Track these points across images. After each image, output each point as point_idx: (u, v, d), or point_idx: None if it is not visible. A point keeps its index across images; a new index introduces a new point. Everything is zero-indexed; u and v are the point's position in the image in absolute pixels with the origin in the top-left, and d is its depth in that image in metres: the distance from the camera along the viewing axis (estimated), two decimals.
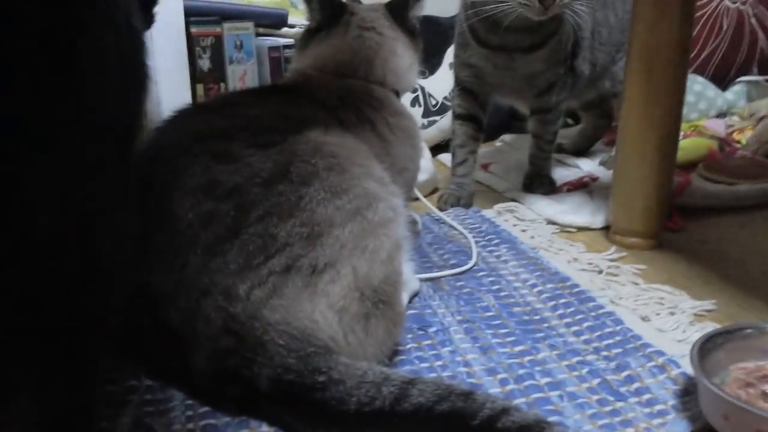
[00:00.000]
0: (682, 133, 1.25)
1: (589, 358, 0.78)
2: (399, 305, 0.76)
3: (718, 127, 1.66)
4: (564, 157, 1.53)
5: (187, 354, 0.68)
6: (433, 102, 1.68)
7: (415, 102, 1.66)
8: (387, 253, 0.74)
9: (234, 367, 0.65)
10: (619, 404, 0.70)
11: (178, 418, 0.68)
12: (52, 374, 0.49)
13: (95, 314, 0.51)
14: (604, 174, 1.41)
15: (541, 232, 1.17)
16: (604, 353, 0.79)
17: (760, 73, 1.93)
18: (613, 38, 1.38)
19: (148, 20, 0.76)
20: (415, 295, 0.92)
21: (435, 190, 1.40)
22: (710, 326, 0.84)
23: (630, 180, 1.11)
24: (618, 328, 0.84)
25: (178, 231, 0.68)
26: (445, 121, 1.61)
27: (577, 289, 0.94)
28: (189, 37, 1.22)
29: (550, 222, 1.20)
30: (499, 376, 0.75)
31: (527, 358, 0.78)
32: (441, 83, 1.66)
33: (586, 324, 0.85)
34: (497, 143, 1.74)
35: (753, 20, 1.92)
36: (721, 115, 1.78)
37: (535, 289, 0.94)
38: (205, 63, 1.27)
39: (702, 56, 1.90)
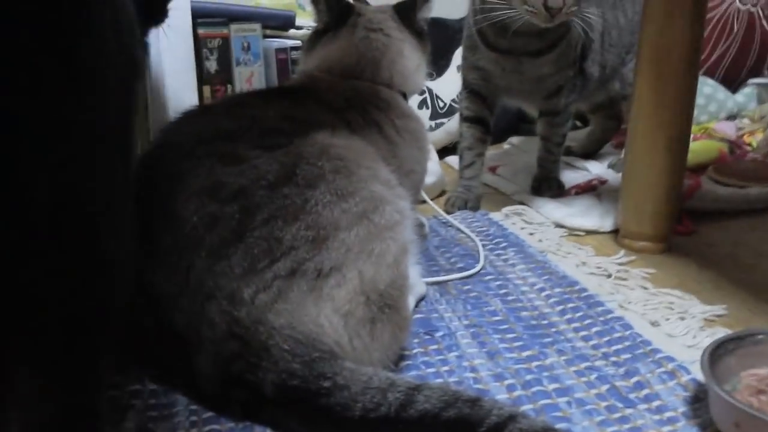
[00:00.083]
0: (691, 136, 1.23)
1: (598, 363, 0.77)
2: (405, 309, 0.75)
3: (728, 129, 1.64)
4: (573, 160, 1.52)
5: (191, 358, 0.67)
6: (441, 104, 1.67)
7: (422, 104, 1.66)
8: (393, 257, 0.73)
9: (238, 372, 0.64)
10: (628, 411, 0.69)
11: (182, 424, 0.67)
12: (55, 373, 0.49)
13: (98, 313, 0.51)
14: (613, 177, 1.40)
15: (550, 235, 1.16)
16: (613, 359, 0.78)
17: None
18: (623, 40, 1.37)
19: (160, 15, 0.75)
20: (421, 299, 0.91)
21: (442, 193, 1.39)
22: (721, 331, 0.82)
23: (639, 183, 1.10)
24: (627, 333, 0.83)
25: (182, 233, 0.68)
26: (453, 124, 1.60)
27: (585, 294, 0.93)
28: (196, 38, 1.21)
29: (559, 225, 1.19)
30: (507, 382, 0.74)
31: (535, 363, 0.77)
32: (449, 85, 1.65)
33: (594, 329, 0.84)
34: (505, 146, 1.73)
35: (764, 22, 1.90)
36: (731, 117, 1.76)
37: (543, 294, 0.93)
38: (212, 65, 1.27)
39: (712, 58, 1.88)
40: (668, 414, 0.69)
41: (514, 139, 1.74)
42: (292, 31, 1.49)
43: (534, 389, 0.72)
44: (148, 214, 0.71)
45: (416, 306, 0.89)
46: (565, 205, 1.26)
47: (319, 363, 0.63)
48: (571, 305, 0.90)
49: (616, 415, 0.69)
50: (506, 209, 1.26)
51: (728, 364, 0.70)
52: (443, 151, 1.64)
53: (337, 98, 0.91)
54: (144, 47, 0.74)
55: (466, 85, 1.30)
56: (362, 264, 0.70)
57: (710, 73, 1.84)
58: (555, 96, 1.26)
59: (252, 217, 0.68)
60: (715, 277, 1.00)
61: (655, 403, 0.70)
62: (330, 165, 0.73)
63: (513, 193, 1.38)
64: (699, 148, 1.41)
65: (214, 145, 0.74)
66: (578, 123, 1.77)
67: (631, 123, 1.11)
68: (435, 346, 0.81)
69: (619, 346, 0.80)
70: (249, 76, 1.33)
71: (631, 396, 0.72)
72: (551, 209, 1.24)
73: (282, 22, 1.45)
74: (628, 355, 0.79)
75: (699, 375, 0.73)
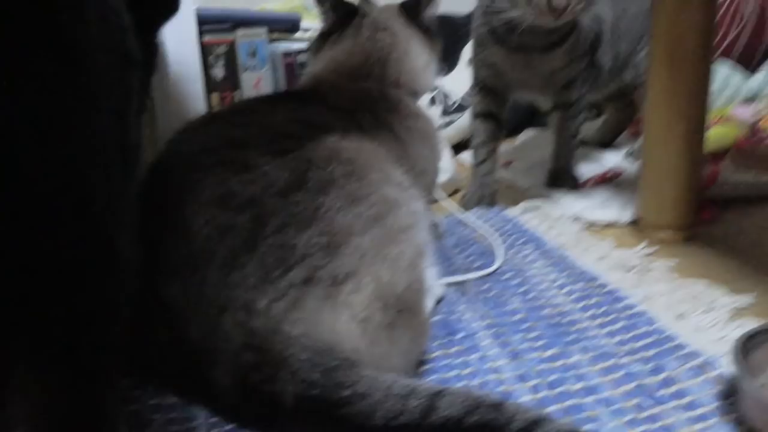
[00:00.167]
0: (709, 122, 1.21)
1: (624, 360, 0.75)
2: (423, 313, 0.74)
3: (745, 114, 1.61)
4: (588, 151, 1.50)
5: (209, 371, 0.66)
6: (452, 101, 1.65)
7: (433, 101, 1.64)
8: (409, 260, 0.71)
9: (256, 384, 0.63)
10: (658, 409, 0.67)
11: None
12: (58, 372, 0.48)
13: (99, 308, 0.50)
14: (630, 166, 1.37)
15: (568, 229, 1.14)
16: (640, 355, 0.76)
17: None
18: (635, 28, 1.34)
19: (173, 4, 0.74)
20: (439, 300, 0.90)
21: (456, 191, 1.38)
22: (751, 322, 0.80)
23: (658, 172, 1.08)
24: (652, 327, 0.81)
25: (194, 245, 0.67)
26: (464, 120, 1.59)
27: (607, 288, 0.91)
28: (201, 46, 1.21)
29: (577, 219, 1.17)
30: (531, 383, 0.72)
31: (559, 362, 0.75)
32: (458, 82, 1.64)
33: (618, 324, 0.82)
34: (519, 139, 1.71)
35: None
36: (748, 101, 1.73)
37: (564, 290, 0.91)
38: (218, 71, 1.26)
39: (726, 42, 1.85)
40: (699, 411, 0.67)
41: (528, 133, 1.72)
42: (298, 34, 1.48)
43: (559, 389, 0.71)
44: (158, 226, 0.70)
45: (435, 308, 0.88)
46: (583, 197, 1.24)
47: (338, 372, 0.62)
48: (593, 301, 0.88)
49: (645, 414, 0.67)
50: (522, 204, 1.24)
51: (760, 356, 0.68)
52: (456, 148, 1.62)
53: (346, 100, 0.90)
54: (153, 46, 0.73)
55: (478, 82, 1.28)
56: (378, 269, 0.69)
57: (725, 57, 1.81)
58: (567, 89, 1.24)
59: (264, 225, 0.67)
60: (741, 266, 0.97)
61: (686, 400, 0.68)
62: (341, 169, 0.72)
63: (528, 188, 1.36)
64: (716, 134, 1.38)
65: (222, 154, 0.73)
66: (594, 111, 1.75)
67: (647, 112, 1.09)
68: (456, 349, 0.79)
69: (645, 342, 0.78)
70: (256, 82, 1.32)
71: (660, 393, 0.70)
72: (568, 202, 1.22)
73: (288, 26, 1.44)
74: (654, 351, 0.76)
75: (729, 369, 0.70)
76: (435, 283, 0.89)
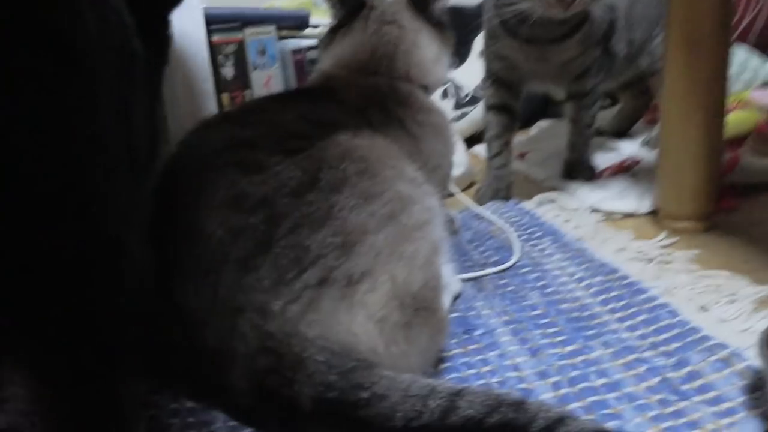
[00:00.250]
0: (727, 107, 1.18)
1: (647, 354, 0.74)
2: (441, 310, 0.73)
3: (764, 98, 1.58)
4: (604, 141, 1.48)
5: (226, 374, 0.65)
6: (464, 93, 1.64)
7: (445, 94, 1.63)
8: (425, 257, 0.70)
9: (273, 387, 0.63)
10: (683, 404, 0.66)
11: None
12: (62, 374, 0.48)
13: (108, 312, 0.50)
14: (647, 155, 1.35)
15: (585, 221, 1.12)
16: (662, 349, 0.75)
17: None
18: (649, 14, 1.32)
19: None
20: (457, 297, 0.89)
21: (471, 184, 1.36)
22: None
23: (676, 160, 1.06)
24: (675, 320, 0.79)
25: (207, 248, 0.66)
26: (478, 113, 1.57)
27: (627, 281, 0.89)
28: (210, 45, 1.20)
29: (594, 210, 1.16)
30: (552, 380, 0.71)
31: (580, 358, 0.74)
32: (471, 74, 1.62)
33: (640, 318, 0.81)
34: (533, 130, 1.70)
35: None
36: (767, 85, 1.70)
37: (583, 283, 0.90)
38: (228, 71, 1.25)
39: (742, 25, 1.81)
40: (726, 405, 0.65)
41: (542, 123, 1.70)
42: (308, 31, 1.47)
43: (581, 386, 0.69)
44: (171, 229, 0.69)
45: (452, 305, 0.87)
46: (600, 188, 1.23)
47: (356, 373, 0.61)
48: (613, 294, 0.86)
49: (670, 409, 0.65)
50: (539, 197, 1.23)
51: None
52: (469, 141, 1.61)
53: (356, 96, 0.89)
54: (165, 37, 0.72)
55: (490, 74, 1.26)
56: (393, 267, 0.68)
57: (741, 40, 1.78)
58: (582, 78, 1.23)
59: (277, 226, 0.66)
60: (764, 255, 0.95)
61: (711, 394, 0.67)
62: (353, 167, 0.71)
63: (544, 180, 1.34)
64: (735, 119, 1.35)
65: (233, 154, 0.73)
66: (609, 100, 1.72)
67: (664, 99, 1.07)
68: (474, 346, 0.78)
69: (668, 335, 0.77)
70: (266, 80, 1.31)
71: (685, 388, 0.68)
72: (585, 194, 1.21)
73: (297, 22, 1.43)
74: (677, 344, 0.75)
75: (755, 361, 0.69)
76: (452, 279, 0.88)
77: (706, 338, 0.75)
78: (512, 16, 1.12)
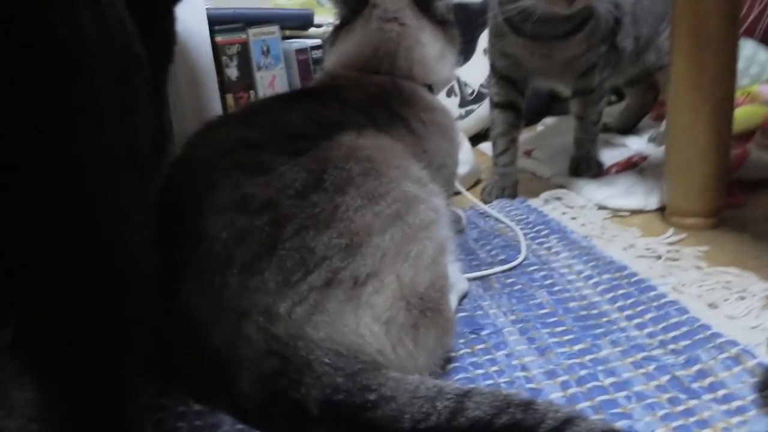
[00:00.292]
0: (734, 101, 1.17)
1: (656, 353, 0.73)
2: (448, 310, 0.72)
3: None
4: (611, 137, 1.47)
5: (233, 377, 0.65)
6: (469, 90, 1.63)
7: (450, 92, 1.62)
8: (431, 257, 0.70)
9: (281, 390, 0.62)
10: (693, 402, 0.65)
11: None
12: (63, 373, 0.48)
13: (110, 313, 0.50)
14: (654, 151, 1.34)
15: (592, 218, 1.11)
16: (672, 347, 0.74)
17: None
18: (656, 9, 1.31)
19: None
20: (464, 296, 0.88)
21: (477, 182, 1.36)
22: None
23: (684, 156, 1.05)
24: (684, 317, 0.79)
25: (213, 251, 0.66)
26: (483, 110, 1.56)
27: (635, 278, 0.89)
28: (214, 46, 1.20)
29: (601, 207, 1.15)
30: (560, 379, 0.70)
31: (588, 357, 0.73)
32: (476, 71, 1.61)
33: (648, 315, 0.80)
34: (539, 127, 1.69)
35: None
36: None
37: (591, 281, 0.89)
38: (232, 72, 1.25)
39: (749, 19, 1.80)
40: (736, 403, 0.65)
41: (548, 120, 1.69)
42: (312, 30, 1.47)
43: (589, 385, 0.69)
44: (177, 232, 0.69)
45: (459, 304, 0.86)
46: (607, 185, 1.22)
47: (363, 375, 0.61)
48: (621, 292, 0.86)
49: (680, 408, 0.65)
50: (545, 194, 1.22)
51: None
52: (475, 139, 1.60)
53: (360, 95, 0.88)
54: (170, 34, 0.72)
55: (496, 72, 1.26)
56: (399, 268, 0.67)
57: (748, 35, 1.76)
58: (588, 74, 1.22)
59: (282, 228, 0.66)
60: None
61: (721, 392, 0.66)
62: (358, 168, 0.71)
63: (551, 177, 1.33)
64: (743, 114, 1.34)
65: (238, 156, 0.72)
66: (614, 97, 1.72)
67: (671, 95, 1.06)
68: (482, 346, 0.78)
69: (677, 333, 0.76)
70: (271, 80, 1.31)
71: (695, 386, 0.68)
72: (592, 191, 1.20)
73: (300, 22, 1.43)
74: (687, 342, 0.74)
75: (766, 358, 0.68)
76: (459, 278, 0.88)
77: (715, 335, 0.75)
78: (516, 13, 1.11)
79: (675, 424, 0.63)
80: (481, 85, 1.61)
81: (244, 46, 1.25)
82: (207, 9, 1.18)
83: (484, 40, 1.56)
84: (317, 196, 0.68)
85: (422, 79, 0.97)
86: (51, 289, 0.46)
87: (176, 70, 1.09)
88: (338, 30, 1.01)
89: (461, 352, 0.77)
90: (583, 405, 0.66)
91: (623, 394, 0.67)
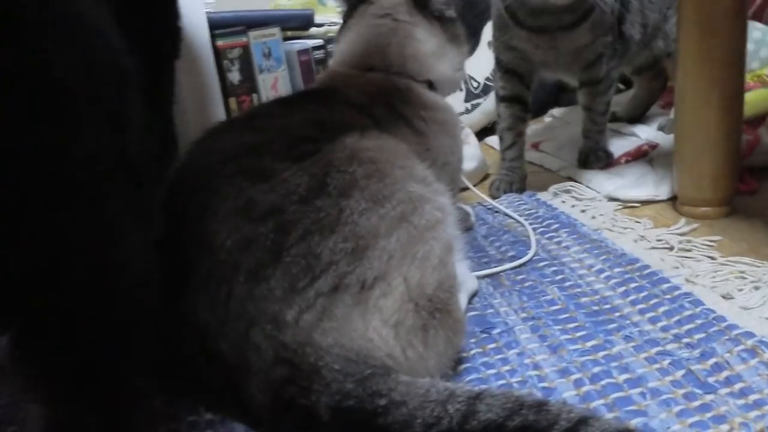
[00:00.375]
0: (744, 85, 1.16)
1: (670, 347, 0.72)
2: (457, 311, 0.71)
3: None
4: (619, 126, 1.45)
5: (243, 385, 0.65)
6: (475, 84, 1.62)
7: None
8: (438, 258, 0.69)
9: (291, 397, 0.62)
10: (709, 397, 0.64)
11: None
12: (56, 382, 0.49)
13: (102, 321, 0.50)
14: (664, 140, 1.33)
15: (603, 210, 1.10)
16: (686, 340, 0.73)
17: None
18: None
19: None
20: (474, 295, 0.87)
21: (486, 177, 1.35)
22: None
23: (694, 144, 1.03)
24: (698, 309, 0.78)
25: (218, 259, 0.66)
26: (489, 103, 1.55)
27: (647, 271, 0.87)
28: (215, 51, 1.19)
29: (611, 199, 1.14)
30: (573, 377, 0.70)
31: (601, 353, 0.72)
32: (481, 64, 1.60)
33: (662, 309, 0.79)
34: (546, 119, 1.67)
35: None
36: None
37: (602, 275, 0.88)
38: (234, 75, 1.24)
39: (756, 4, 1.77)
40: (753, 397, 0.64)
41: (556, 111, 1.68)
42: (313, 30, 1.46)
43: (603, 382, 0.68)
44: (182, 240, 0.69)
45: (469, 303, 0.85)
46: (617, 176, 1.21)
47: (373, 380, 0.60)
48: (633, 285, 0.85)
49: (696, 403, 0.64)
50: (554, 187, 1.21)
51: None
52: (482, 133, 1.59)
53: (359, 94, 0.88)
54: (176, 30, 0.72)
55: (501, 65, 1.25)
56: (406, 270, 0.67)
57: (757, 17, 1.74)
58: (595, 65, 1.20)
59: (287, 234, 0.65)
60: None
61: (738, 386, 0.65)
62: (362, 170, 0.70)
63: (559, 169, 1.32)
64: (754, 98, 1.32)
65: (240, 162, 0.72)
66: (621, 86, 1.70)
67: (679, 82, 1.04)
68: (493, 345, 0.77)
69: (691, 326, 0.75)
70: (273, 83, 1.30)
71: (711, 380, 0.67)
72: (602, 182, 1.19)
73: (301, 22, 1.42)
74: (701, 335, 0.73)
75: None
76: (468, 277, 0.87)
77: (731, 327, 0.74)
78: (519, 5, 1.10)
79: (691, 420, 0.62)
80: (487, 79, 1.60)
81: (246, 49, 1.25)
82: (207, 13, 1.17)
83: (488, 32, 1.54)
84: (321, 201, 0.67)
85: (418, 75, 0.95)
86: (38, 294, 0.46)
87: (178, 75, 1.09)
88: (341, 28, 1.01)
89: (472, 352, 0.76)
90: (597, 403, 0.65)
91: (638, 390, 0.66)
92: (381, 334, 0.64)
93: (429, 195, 0.73)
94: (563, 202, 1.16)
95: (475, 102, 1.62)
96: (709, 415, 0.62)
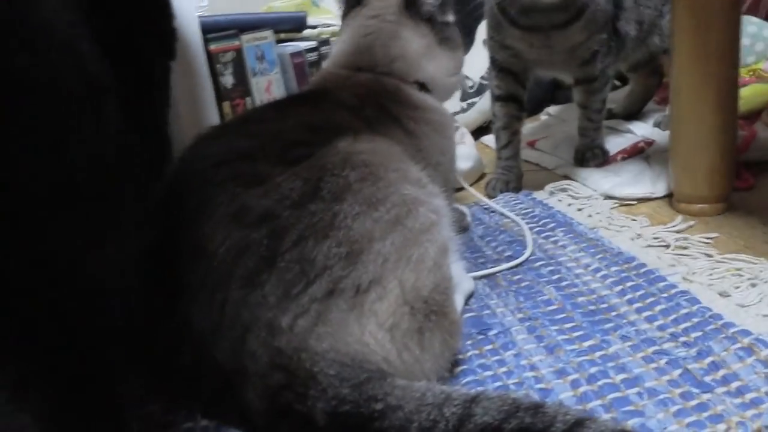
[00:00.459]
0: (739, 80, 1.15)
1: (667, 346, 0.72)
2: (453, 313, 0.71)
3: None
4: (615, 123, 1.45)
5: (239, 392, 0.65)
6: (470, 83, 1.62)
7: None
8: (433, 260, 0.69)
9: (287, 403, 0.62)
10: (706, 396, 0.64)
11: None
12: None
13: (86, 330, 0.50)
14: (660, 136, 1.32)
15: (599, 208, 1.10)
16: (683, 339, 0.73)
17: None
18: None
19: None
20: (470, 296, 0.87)
21: (482, 177, 1.34)
22: None
23: (689, 141, 1.03)
24: (695, 308, 0.78)
25: (211, 266, 0.65)
26: (485, 102, 1.55)
27: (644, 269, 0.87)
28: (208, 54, 1.19)
29: (608, 197, 1.14)
30: (570, 378, 0.69)
31: (598, 353, 0.72)
32: (476, 63, 1.59)
33: (658, 307, 0.79)
34: (542, 117, 1.67)
35: None
36: None
37: (599, 274, 0.88)
38: (227, 79, 1.24)
39: None
40: (750, 395, 0.64)
41: (552, 109, 1.67)
42: (307, 32, 1.45)
43: (600, 383, 0.68)
44: (175, 247, 0.69)
45: (466, 304, 0.85)
46: (613, 173, 1.20)
47: (369, 384, 0.60)
48: (630, 284, 0.85)
49: (693, 403, 0.64)
50: (550, 186, 1.21)
51: None
52: (479, 132, 1.59)
53: (350, 96, 0.88)
54: (170, 31, 0.71)
55: (496, 64, 1.24)
56: (401, 273, 0.66)
57: (752, 12, 1.73)
58: (590, 62, 1.20)
59: (280, 240, 0.65)
60: None
61: (735, 385, 0.65)
62: (355, 174, 0.70)
63: (556, 167, 1.32)
64: (750, 93, 1.32)
65: (233, 167, 0.72)
66: (617, 83, 1.69)
67: (674, 78, 1.04)
68: (490, 346, 0.77)
69: (688, 324, 0.75)
70: (267, 86, 1.30)
71: (707, 379, 0.66)
72: (598, 180, 1.18)
73: (294, 25, 1.42)
74: (698, 333, 0.73)
75: None
76: (464, 278, 0.87)
77: (727, 325, 0.73)
78: (511, 4, 1.10)
79: (688, 420, 0.62)
80: (482, 77, 1.59)
81: (238, 53, 1.24)
82: (199, 17, 1.17)
83: (482, 31, 1.54)
84: (315, 206, 0.67)
85: (406, 75, 0.95)
86: (11, 305, 0.46)
87: (171, 79, 1.09)
88: (339, 30, 1.02)
89: (469, 353, 0.76)
90: (594, 404, 0.65)
91: (635, 390, 0.66)
92: (376, 337, 0.64)
93: (423, 197, 0.73)
94: (559, 200, 1.16)
95: (471, 101, 1.61)
96: (706, 414, 0.62)
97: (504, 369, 0.73)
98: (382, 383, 0.61)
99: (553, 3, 1.07)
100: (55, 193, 0.47)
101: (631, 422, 0.62)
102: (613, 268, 0.89)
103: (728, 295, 0.80)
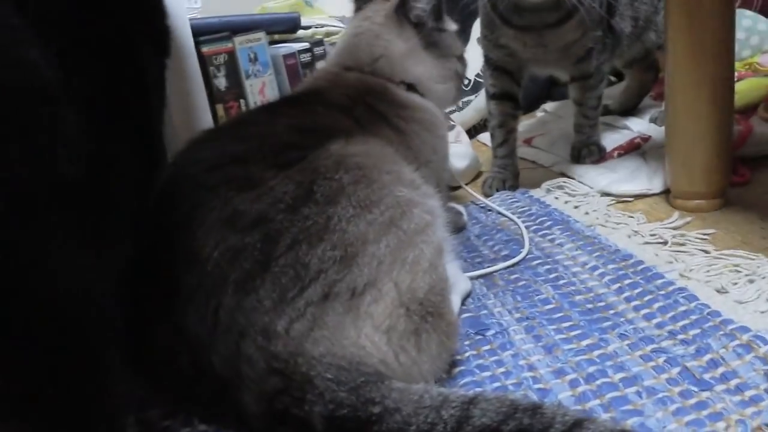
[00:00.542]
0: (735, 74, 1.15)
1: (665, 344, 0.72)
2: (450, 314, 0.71)
3: None
4: (611, 119, 1.44)
5: (237, 397, 0.64)
6: (465, 81, 1.61)
7: None
8: (429, 261, 0.69)
9: (284, 408, 0.62)
10: (705, 395, 0.64)
11: None
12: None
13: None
14: (656, 132, 1.32)
15: (596, 206, 1.10)
16: (681, 336, 0.73)
17: None
18: None
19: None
20: (467, 296, 0.87)
21: (478, 175, 1.34)
22: None
23: (685, 137, 1.03)
24: (692, 305, 0.77)
25: (205, 272, 0.65)
26: (481, 100, 1.54)
27: (641, 266, 0.87)
28: (201, 57, 1.18)
29: (605, 194, 1.13)
30: (568, 377, 0.69)
31: (596, 352, 0.72)
32: (471, 61, 1.59)
33: (656, 305, 0.79)
34: (539, 114, 1.67)
35: None
36: None
37: (596, 272, 0.88)
38: (221, 82, 1.23)
39: None
40: (750, 393, 0.63)
41: (548, 106, 1.67)
42: (300, 33, 1.45)
43: (599, 382, 0.68)
44: (169, 252, 0.68)
45: (463, 304, 0.85)
46: (609, 170, 1.20)
47: (366, 388, 0.60)
48: (627, 281, 0.84)
49: (692, 401, 0.63)
50: (547, 184, 1.20)
51: None
52: (475, 130, 1.59)
53: (340, 95, 0.89)
54: (164, 29, 0.71)
55: (490, 63, 1.24)
56: (397, 274, 0.66)
57: (747, 5, 1.73)
58: (585, 59, 1.19)
59: (275, 244, 0.64)
60: None
61: (734, 382, 0.65)
62: (349, 176, 0.69)
63: (552, 165, 1.32)
64: (745, 87, 1.32)
65: (226, 171, 0.71)
66: (613, 78, 1.69)
67: (668, 74, 1.04)
68: (488, 347, 0.77)
69: (686, 321, 0.75)
70: (261, 88, 1.29)
71: (706, 377, 0.66)
72: (595, 177, 1.18)
73: (287, 26, 1.41)
74: (696, 331, 0.73)
75: None
76: (460, 278, 0.87)
77: (726, 322, 0.73)
78: (503, 3, 1.10)
79: (688, 418, 0.61)
80: (477, 75, 1.59)
81: (231, 55, 1.23)
82: (191, 19, 1.16)
83: (477, 29, 1.54)
84: (309, 209, 0.66)
85: (390, 75, 0.96)
86: None
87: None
88: None
89: (467, 354, 0.76)
90: (592, 403, 0.65)
91: (633, 389, 0.66)
92: (373, 340, 0.64)
93: (417, 198, 0.73)
94: (556, 198, 1.15)
95: (466, 99, 1.61)
96: (705, 412, 0.62)
97: (502, 369, 0.72)
98: (380, 386, 0.60)
99: (539, 3, 1.07)
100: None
101: (630, 421, 0.61)
102: (611, 266, 0.88)
103: (726, 292, 0.80)
